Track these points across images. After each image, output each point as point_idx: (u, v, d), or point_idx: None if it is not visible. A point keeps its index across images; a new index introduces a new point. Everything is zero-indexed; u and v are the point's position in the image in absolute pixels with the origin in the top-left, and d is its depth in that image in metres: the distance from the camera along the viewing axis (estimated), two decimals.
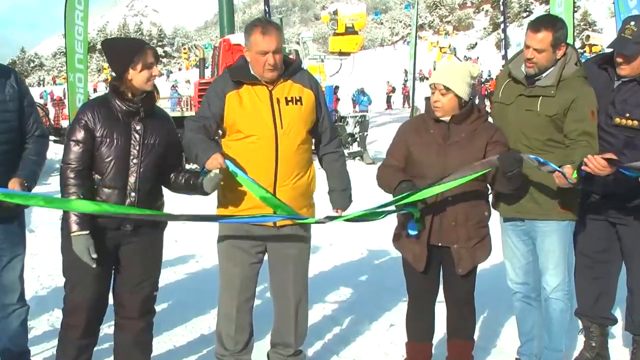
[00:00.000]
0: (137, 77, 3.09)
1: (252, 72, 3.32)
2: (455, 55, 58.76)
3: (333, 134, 3.57)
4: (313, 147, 3.54)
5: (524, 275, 3.63)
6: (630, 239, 3.59)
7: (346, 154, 16.22)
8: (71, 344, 3.25)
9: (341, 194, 3.53)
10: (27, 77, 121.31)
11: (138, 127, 3.15)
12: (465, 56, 67.06)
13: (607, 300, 3.79)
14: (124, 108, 3.12)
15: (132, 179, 3.13)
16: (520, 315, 3.70)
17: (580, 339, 3.98)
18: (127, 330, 3.35)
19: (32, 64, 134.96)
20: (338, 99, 24.50)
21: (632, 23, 3.34)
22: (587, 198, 3.61)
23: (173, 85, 40.38)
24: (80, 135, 3.08)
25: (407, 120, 3.63)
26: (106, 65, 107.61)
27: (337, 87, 25.04)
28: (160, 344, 4.28)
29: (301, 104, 3.34)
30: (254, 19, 3.43)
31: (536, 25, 3.34)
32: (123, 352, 3.39)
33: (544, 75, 3.39)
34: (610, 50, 3.50)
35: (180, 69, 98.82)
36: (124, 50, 3.13)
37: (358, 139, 16.69)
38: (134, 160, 3.13)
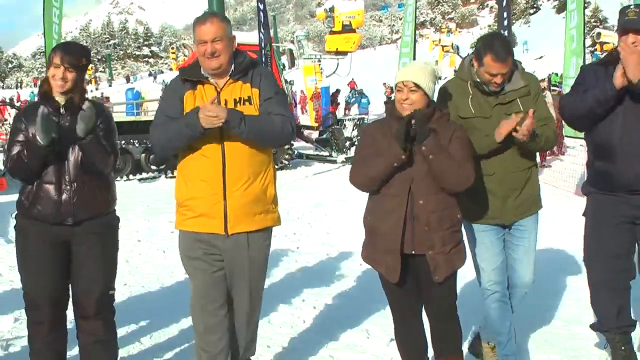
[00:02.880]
0: (49, 74, 3.42)
1: (201, 71, 3.39)
2: (458, 54, 58.88)
3: (279, 112, 3.37)
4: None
5: (500, 275, 3.81)
6: None
7: (343, 159, 16.41)
8: (40, 339, 3.51)
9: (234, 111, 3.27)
10: (5, 79, 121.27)
11: (67, 124, 3.40)
12: (468, 54, 67.17)
13: (627, 308, 3.88)
14: (50, 108, 3.39)
15: (65, 173, 3.41)
16: (499, 316, 3.81)
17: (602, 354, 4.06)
18: (87, 331, 3.57)
19: (10, 65, 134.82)
20: (338, 103, 24.49)
21: (632, 6, 3.56)
22: (607, 199, 3.72)
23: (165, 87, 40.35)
24: (18, 137, 3.44)
25: (368, 124, 3.67)
26: (90, 66, 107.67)
27: (338, 91, 25.00)
28: (144, 355, 4.34)
29: (250, 103, 3.36)
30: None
31: (501, 56, 3.51)
32: (87, 352, 3.60)
33: (506, 82, 3.67)
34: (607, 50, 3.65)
35: (171, 69, 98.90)
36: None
37: (356, 143, 16.72)
38: (65, 155, 3.40)
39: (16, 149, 3.39)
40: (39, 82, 3.65)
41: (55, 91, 3.41)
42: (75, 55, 3.41)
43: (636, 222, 3.69)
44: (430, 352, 3.62)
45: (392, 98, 3.46)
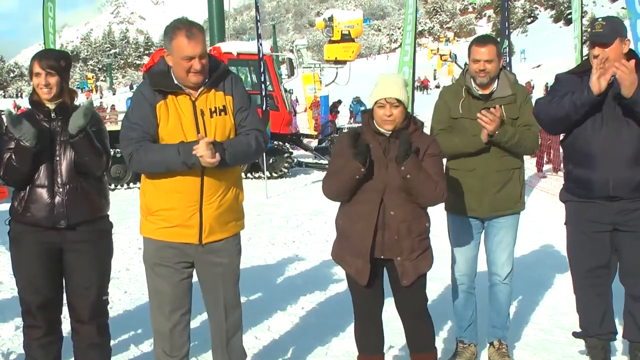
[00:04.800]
0: (34, 85, 3.47)
1: (174, 80, 3.25)
2: (456, 62, 59.06)
3: (253, 126, 3.40)
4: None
5: (470, 268, 4.23)
6: (636, 244, 3.70)
7: None
8: (35, 343, 3.55)
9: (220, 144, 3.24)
10: (7, 88, 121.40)
11: (58, 129, 3.46)
12: (466, 63, 67.39)
13: (611, 314, 3.91)
14: (41, 115, 3.46)
15: (57, 176, 3.44)
16: (464, 304, 4.26)
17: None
18: (81, 334, 3.62)
19: (12, 74, 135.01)
20: (338, 112, 24.46)
21: (600, 20, 3.69)
22: (586, 207, 3.77)
23: None
24: (10, 144, 3.43)
25: (344, 132, 3.82)
26: (90, 75, 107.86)
27: (339, 101, 24.97)
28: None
29: (225, 113, 3.31)
30: (175, 20, 3.29)
31: (482, 41, 4.03)
32: (81, 356, 3.67)
33: (494, 87, 4.03)
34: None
35: None
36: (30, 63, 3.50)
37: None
38: (57, 159, 3.44)
39: (7, 156, 3.42)
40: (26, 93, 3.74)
41: (43, 99, 3.44)
42: (53, 57, 3.46)
43: (617, 228, 3.73)
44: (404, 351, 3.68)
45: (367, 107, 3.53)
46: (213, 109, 3.28)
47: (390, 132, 3.41)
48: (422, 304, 3.58)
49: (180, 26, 3.18)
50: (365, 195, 3.40)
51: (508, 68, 10.84)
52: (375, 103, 3.40)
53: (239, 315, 3.62)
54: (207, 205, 3.32)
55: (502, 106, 3.96)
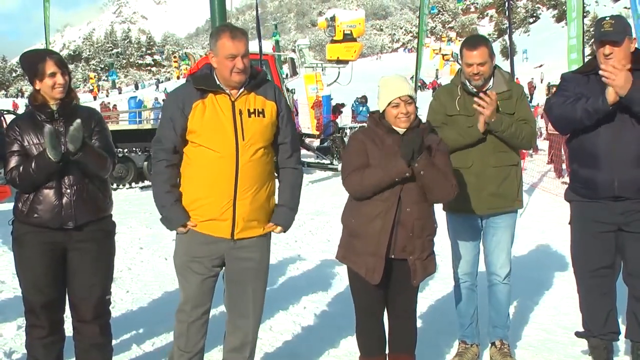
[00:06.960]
0: (43, 86, 3.41)
1: (217, 81, 3.43)
2: (458, 62, 59.27)
3: (294, 147, 3.65)
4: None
5: (472, 266, 4.28)
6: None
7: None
8: (38, 342, 3.55)
9: (287, 211, 3.61)
10: (9, 88, 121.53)
11: (61, 129, 3.42)
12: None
13: (615, 314, 3.92)
14: (43, 116, 3.43)
15: (64, 177, 3.43)
16: (466, 302, 4.31)
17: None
18: (83, 334, 3.63)
19: (14, 74, 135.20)
20: (341, 112, 24.44)
21: (607, 18, 3.65)
22: (590, 206, 3.78)
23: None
24: (13, 147, 3.44)
25: (356, 131, 3.83)
26: (92, 75, 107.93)
27: (342, 104, 24.94)
28: None
29: (263, 116, 3.45)
30: (221, 24, 3.50)
31: (473, 44, 4.02)
32: (83, 355, 3.67)
33: (490, 85, 4.07)
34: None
35: (169, 79, 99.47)
36: (28, 63, 3.45)
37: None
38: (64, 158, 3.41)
39: (15, 160, 3.41)
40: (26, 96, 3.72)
41: (52, 99, 3.42)
42: (61, 58, 3.50)
43: (621, 228, 3.74)
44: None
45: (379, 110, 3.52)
46: (252, 110, 3.43)
47: (404, 131, 3.43)
48: (415, 305, 3.65)
49: (225, 29, 3.41)
50: (384, 192, 3.41)
51: (510, 68, 10.81)
52: (389, 104, 3.42)
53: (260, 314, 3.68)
54: (241, 200, 3.41)
55: (499, 102, 3.99)
